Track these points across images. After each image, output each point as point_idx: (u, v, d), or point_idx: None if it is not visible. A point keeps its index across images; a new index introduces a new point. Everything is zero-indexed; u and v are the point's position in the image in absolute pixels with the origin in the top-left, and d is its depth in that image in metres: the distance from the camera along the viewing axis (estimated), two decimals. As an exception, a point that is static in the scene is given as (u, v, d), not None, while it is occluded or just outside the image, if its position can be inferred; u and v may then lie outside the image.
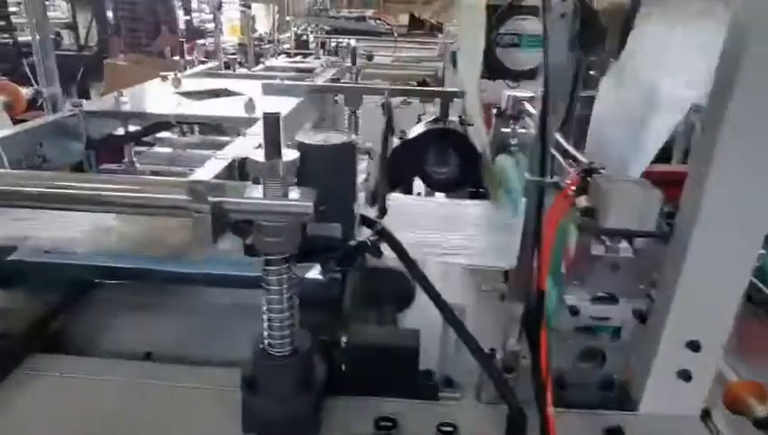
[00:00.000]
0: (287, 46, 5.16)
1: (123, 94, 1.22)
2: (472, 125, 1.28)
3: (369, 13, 6.24)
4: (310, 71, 3.12)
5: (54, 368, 0.97)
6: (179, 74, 1.68)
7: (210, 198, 0.69)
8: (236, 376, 0.93)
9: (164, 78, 1.64)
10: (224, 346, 1.06)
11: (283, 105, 1.29)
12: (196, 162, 1.30)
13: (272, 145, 0.69)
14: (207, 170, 0.74)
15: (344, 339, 0.92)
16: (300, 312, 1.11)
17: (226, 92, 1.45)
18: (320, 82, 1.84)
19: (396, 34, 5.26)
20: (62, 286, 1.14)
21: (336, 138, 0.82)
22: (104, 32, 5.23)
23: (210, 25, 7.29)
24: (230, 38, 7.55)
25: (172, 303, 1.17)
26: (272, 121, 0.68)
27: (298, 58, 3.76)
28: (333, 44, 5.70)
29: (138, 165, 1.25)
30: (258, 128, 1.10)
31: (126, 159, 1.22)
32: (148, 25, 5.52)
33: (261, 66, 3.29)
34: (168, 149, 1.33)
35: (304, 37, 5.84)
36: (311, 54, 4.99)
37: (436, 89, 1.34)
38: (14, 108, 1.47)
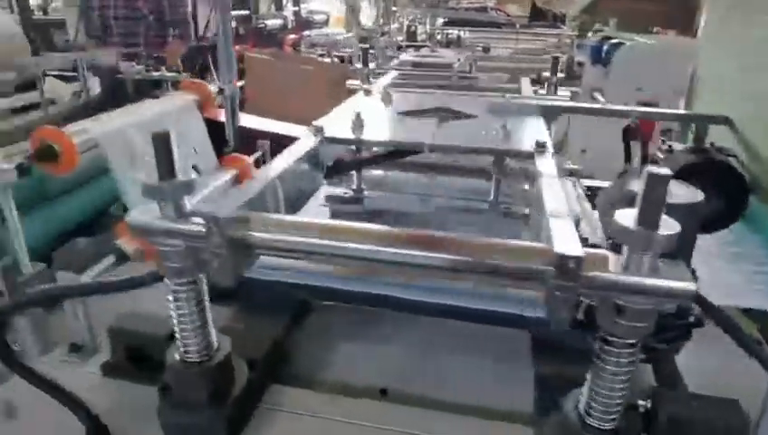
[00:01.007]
0: (400, 38, 5.06)
1: (361, 118, 1.12)
2: (735, 156, 1.09)
3: (490, 3, 5.99)
4: (448, 66, 2.99)
5: (283, 402, 0.89)
6: (387, 88, 1.55)
7: (581, 273, 0.58)
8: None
9: (367, 92, 1.53)
10: (475, 390, 0.95)
11: (536, 129, 1.15)
12: (421, 187, 1.21)
13: (653, 210, 0.56)
14: (567, 240, 0.62)
15: (643, 403, 0.77)
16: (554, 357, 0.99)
17: (450, 112, 1.32)
18: (526, 93, 1.65)
19: (518, 26, 4.99)
20: (285, 308, 1.06)
21: (683, 191, 0.68)
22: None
23: (318, 17, 7.36)
24: (335, 30, 7.59)
25: (404, 333, 1.07)
26: (657, 182, 0.55)
27: (426, 51, 3.62)
28: (443, 36, 5.56)
29: (366, 192, 1.16)
30: (545, 165, 0.98)
31: (354, 186, 1.13)
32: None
33: (396, 61, 3.18)
34: (382, 172, 1.23)
35: (413, 29, 5.72)
36: (424, 46, 4.88)
37: (689, 113, 1.14)
38: (204, 107, 1.46)
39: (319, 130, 1.06)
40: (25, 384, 0.78)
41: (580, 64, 4.75)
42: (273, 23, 5.87)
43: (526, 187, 1.15)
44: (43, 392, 0.77)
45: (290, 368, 0.99)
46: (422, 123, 1.24)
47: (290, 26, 6.00)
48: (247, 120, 1.74)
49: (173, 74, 1.59)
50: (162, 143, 0.65)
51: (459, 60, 3.18)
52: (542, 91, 1.64)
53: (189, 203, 0.69)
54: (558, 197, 0.78)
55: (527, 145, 1.03)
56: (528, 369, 0.98)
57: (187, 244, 0.68)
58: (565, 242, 0.61)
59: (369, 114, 1.18)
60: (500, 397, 0.94)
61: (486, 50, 4.83)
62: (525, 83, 1.78)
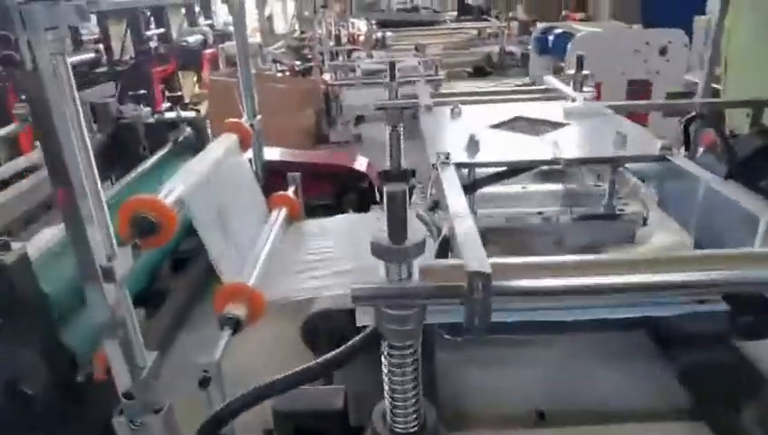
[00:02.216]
0: (332, 44, 4.98)
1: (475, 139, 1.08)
2: None
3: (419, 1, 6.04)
4: (415, 69, 3.01)
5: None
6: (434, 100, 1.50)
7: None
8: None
9: (428, 108, 1.45)
10: (624, 394, 0.96)
11: (635, 131, 1.17)
12: (531, 200, 1.19)
13: None
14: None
15: None
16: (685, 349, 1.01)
17: (540, 122, 1.30)
18: (564, 91, 1.68)
19: (448, 21, 5.08)
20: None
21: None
22: (140, 43, 4.92)
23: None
24: (252, 40, 7.34)
25: (534, 355, 1.05)
26: None
27: (382, 56, 3.59)
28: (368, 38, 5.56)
29: (477, 211, 1.13)
30: (692, 167, 1.01)
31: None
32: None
33: (359, 71, 3.14)
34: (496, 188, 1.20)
35: (336, 33, 5.68)
36: (356, 50, 4.84)
37: (748, 100, 1.19)
38: (243, 145, 1.40)
39: (447, 157, 1.02)
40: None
41: (511, 54, 4.95)
42: (194, 39, 5.57)
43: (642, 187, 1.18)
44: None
45: (446, 407, 0.94)
46: (524, 136, 1.22)
47: (211, 41, 5.72)
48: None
49: (190, 114, 1.45)
50: (398, 203, 0.59)
51: (420, 62, 3.20)
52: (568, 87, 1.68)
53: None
54: (746, 195, 0.80)
55: (645, 148, 1.06)
56: (664, 363, 1.01)
57: (422, 304, 0.63)
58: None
59: (463, 132, 1.12)
60: (653, 396, 0.96)
61: (419, 48, 4.90)
62: (555, 81, 1.82)
